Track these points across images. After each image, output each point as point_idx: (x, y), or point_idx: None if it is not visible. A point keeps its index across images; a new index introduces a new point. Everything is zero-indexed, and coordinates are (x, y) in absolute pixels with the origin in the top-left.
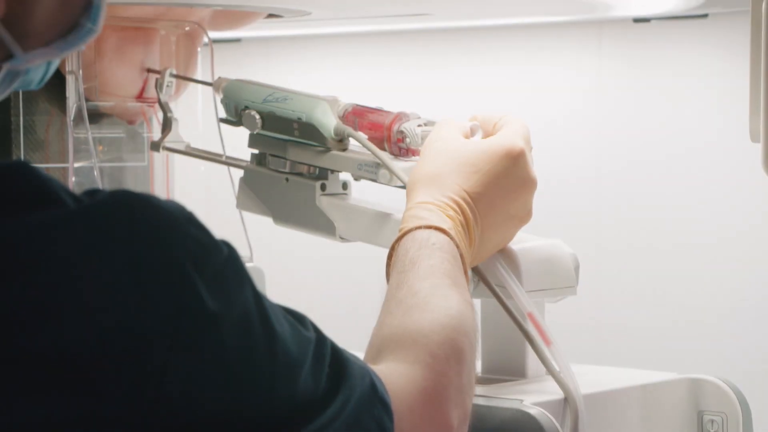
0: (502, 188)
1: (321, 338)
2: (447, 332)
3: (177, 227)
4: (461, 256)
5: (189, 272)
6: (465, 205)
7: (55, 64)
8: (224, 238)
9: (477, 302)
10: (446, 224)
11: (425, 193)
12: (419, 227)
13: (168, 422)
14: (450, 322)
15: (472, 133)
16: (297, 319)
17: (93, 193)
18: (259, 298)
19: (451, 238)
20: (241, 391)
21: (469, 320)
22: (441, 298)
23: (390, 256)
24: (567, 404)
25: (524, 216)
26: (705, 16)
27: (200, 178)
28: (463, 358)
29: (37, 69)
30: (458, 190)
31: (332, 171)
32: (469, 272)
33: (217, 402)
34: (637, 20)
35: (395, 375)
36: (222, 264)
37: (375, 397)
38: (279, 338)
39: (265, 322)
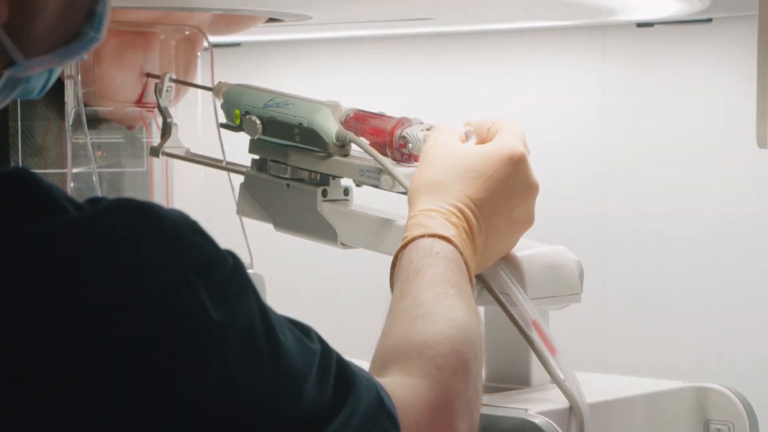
0: (505, 193)
1: (327, 350)
2: (452, 344)
3: (181, 237)
4: (465, 263)
5: (193, 282)
6: (468, 212)
7: (56, 74)
8: (229, 248)
9: (481, 310)
10: (450, 232)
11: (427, 201)
12: (422, 236)
13: None
14: (455, 333)
15: (466, 138)
16: (302, 330)
17: (95, 201)
18: (263, 309)
19: (455, 246)
20: (245, 402)
21: (474, 330)
22: (446, 308)
23: (393, 266)
24: (572, 413)
25: (527, 221)
26: (709, 20)
27: (200, 183)
28: (469, 370)
29: (38, 77)
30: (461, 196)
31: (334, 177)
32: (473, 279)
33: (220, 413)
34: (640, 25)
35: (401, 388)
36: (226, 274)
37: (382, 411)
38: (284, 350)
39: (270, 333)
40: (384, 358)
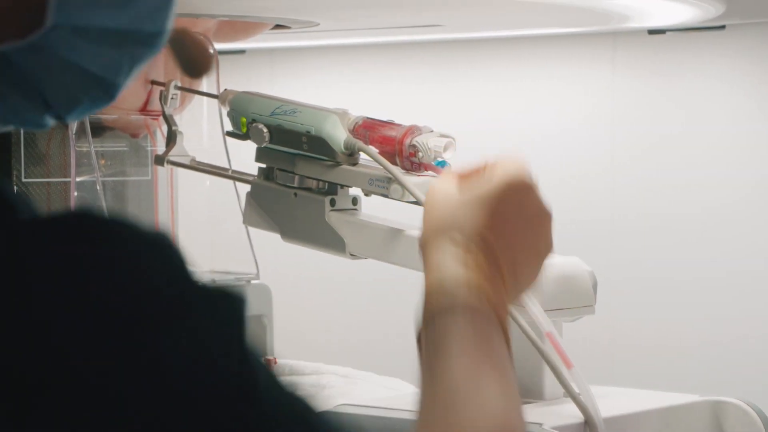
0: (521, 221)
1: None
2: None
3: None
4: (496, 312)
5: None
6: (486, 246)
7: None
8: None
9: None
10: (473, 296)
11: (439, 249)
12: (444, 308)
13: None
14: (490, 423)
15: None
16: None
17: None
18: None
19: (482, 303)
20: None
21: (513, 417)
22: (479, 396)
23: (419, 341)
24: (587, 428)
25: (548, 249)
26: (722, 27)
27: (205, 192)
28: None
29: None
30: (476, 229)
31: (342, 186)
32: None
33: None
34: (652, 32)
35: None
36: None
37: None
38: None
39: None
40: None
